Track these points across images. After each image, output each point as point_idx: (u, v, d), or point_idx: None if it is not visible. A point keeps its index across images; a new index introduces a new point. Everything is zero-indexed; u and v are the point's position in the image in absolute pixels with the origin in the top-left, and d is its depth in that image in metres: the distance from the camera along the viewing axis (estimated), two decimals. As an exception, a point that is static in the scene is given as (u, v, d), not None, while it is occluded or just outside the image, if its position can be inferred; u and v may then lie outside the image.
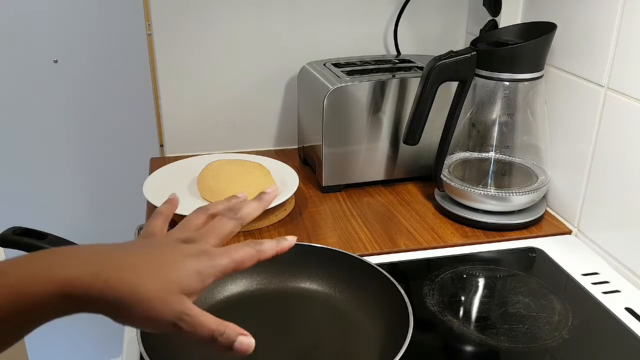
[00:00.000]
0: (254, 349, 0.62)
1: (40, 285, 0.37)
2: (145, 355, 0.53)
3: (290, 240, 0.49)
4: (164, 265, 0.41)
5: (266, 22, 1.05)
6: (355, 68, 0.99)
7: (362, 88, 0.92)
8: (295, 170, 0.95)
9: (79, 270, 0.38)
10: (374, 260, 0.75)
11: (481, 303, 0.71)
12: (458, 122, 0.87)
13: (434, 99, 0.83)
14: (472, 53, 0.82)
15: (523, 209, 0.87)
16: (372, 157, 0.97)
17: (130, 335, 0.65)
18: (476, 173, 0.91)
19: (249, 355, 0.61)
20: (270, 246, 0.47)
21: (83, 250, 0.41)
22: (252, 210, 0.51)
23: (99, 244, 0.43)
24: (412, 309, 0.59)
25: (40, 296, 0.37)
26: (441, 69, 0.81)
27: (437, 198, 0.92)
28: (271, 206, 0.84)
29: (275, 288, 0.70)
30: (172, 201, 0.57)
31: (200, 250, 0.44)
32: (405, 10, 1.08)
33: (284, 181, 0.92)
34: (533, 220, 0.86)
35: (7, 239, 0.63)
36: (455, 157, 0.93)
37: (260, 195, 0.53)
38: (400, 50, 1.11)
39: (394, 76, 0.95)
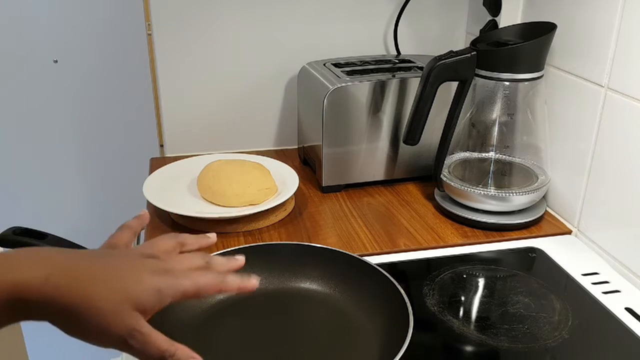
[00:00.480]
0: (254, 349, 0.62)
1: None
2: (145, 355, 0.53)
3: (253, 282, 0.47)
4: (123, 277, 0.40)
5: (266, 22, 1.05)
6: (355, 68, 0.99)
7: (362, 88, 0.92)
8: (295, 170, 0.95)
9: (29, 274, 0.37)
10: (374, 260, 0.75)
11: (481, 303, 0.71)
12: (458, 122, 0.87)
13: (434, 99, 0.83)
14: (472, 53, 0.82)
15: (523, 209, 0.87)
16: (372, 157, 0.97)
17: (130, 335, 0.65)
18: (476, 173, 0.91)
19: (249, 355, 0.61)
20: (234, 281, 0.46)
21: (40, 253, 0.40)
22: (221, 262, 0.49)
23: (60, 248, 0.41)
24: (412, 309, 0.59)
25: None
26: (441, 69, 0.81)
27: (437, 198, 0.92)
28: (271, 206, 0.84)
29: (275, 288, 0.70)
30: (142, 217, 0.54)
31: (163, 268, 0.42)
32: (405, 10, 1.08)
33: (284, 181, 0.92)
34: (533, 220, 0.86)
35: (7, 239, 0.63)
36: (455, 157, 0.93)
37: (230, 258, 0.51)
38: (400, 50, 1.11)
39: (394, 76, 0.94)
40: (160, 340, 0.40)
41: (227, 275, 0.45)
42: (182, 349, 0.41)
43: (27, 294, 0.36)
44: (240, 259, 0.49)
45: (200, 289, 0.43)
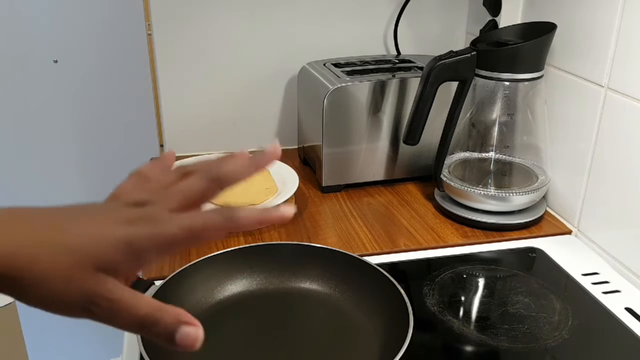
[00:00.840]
0: (254, 349, 0.62)
1: None
2: (145, 355, 0.53)
3: (289, 210, 0.35)
4: (82, 234, 0.32)
5: (266, 22, 1.05)
6: (355, 68, 0.99)
7: (362, 88, 0.92)
8: (295, 170, 0.94)
9: None
10: (374, 260, 0.75)
11: (481, 303, 0.71)
12: (458, 122, 0.87)
13: (434, 99, 0.83)
14: (472, 53, 0.82)
15: (523, 209, 0.87)
16: (372, 157, 0.97)
17: (130, 335, 0.65)
18: (476, 173, 0.91)
19: (250, 355, 0.61)
20: (249, 216, 0.34)
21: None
22: (237, 168, 0.37)
23: (27, 208, 0.33)
24: (412, 309, 0.59)
25: None
26: (441, 69, 0.81)
27: (437, 198, 0.92)
28: (271, 206, 0.84)
29: (275, 288, 0.70)
30: (166, 155, 0.43)
31: (141, 215, 0.33)
32: (405, 10, 1.08)
33: (284, 181, 0.92)
34: (533, 220, 0.86)
35: (7, 239, 0.63)
36: (455, 157, 0.93)
37: (257, 154, 0.38)
38: (400, 50, 1.11)
39: (394, 76, 0.94)
40: (137, 305, 0.31)
41: (237, 211, 0.34)
42: (169, 313, 0.32)
43: None
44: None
45: (193, 233, 0.33)
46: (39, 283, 0.30)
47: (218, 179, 0.37)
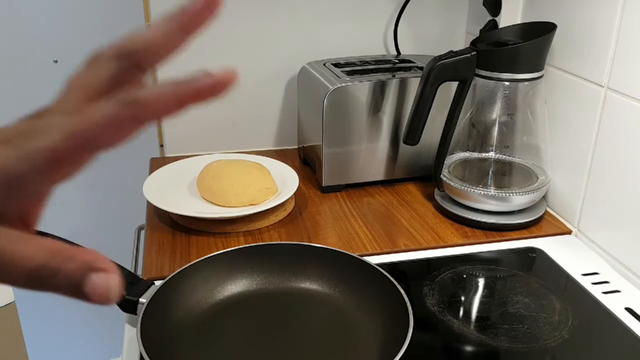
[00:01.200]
0: (254, 349, 0.62)
1: None
2: (145, 355, 0.53)
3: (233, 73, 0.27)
4: None
5: (266, 22, 1.05)
6: (355, 68, 0.99)
7: (362, 88, 0.92)
8: (295, 170, 0.94)
9: None
10: (374, 260, 0.75)
11: (481, 303, 0.71)
12: (458, 122, 0.87)
13: (434, 99, 0.83)
14: (472, 53, 0.82)
15: (523, 209, 0.87)
16: (372, 157, 0.97)
17: (130, 335, 0.65)
18: (476, 173, 0.91)
19: (250, 355, 0.61)
20: (160, 92, 0.26)
21: None
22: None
23: None
24: (412, 309, 0.59)
25: None
26: (441, 69, 0.81)
27: (437, 198, 0.92)
28: (271, 206, 0.84)
29: (275, 288, 0.70)
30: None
31: (25, 127, 0.25)
32: (405, 10, 1.08)
33: (284, 181, 0.92)
34: (533, 220, 0.86)
35: (7, 239, 0.63)
36: (455, 157, 0.93)
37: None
38: (400, 50, 1.11)
39: (394, 76, 0.94)
40: (25, 253, 0.23)
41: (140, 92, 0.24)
42: (74, 259, 0.24)
43: None
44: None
45: (85, 136, 0.24)
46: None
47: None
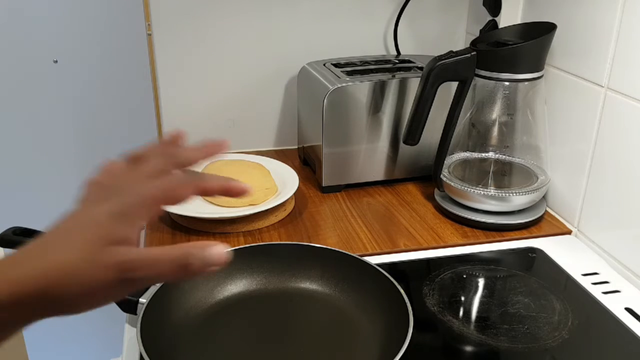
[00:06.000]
0: (254, 349, 0.62)
1: None
2: (145, 355, 0.53)
3: (244, 186, 0.40)
4: (72, 228, 0.35)
5: (266, 22, 1.05)
6: (355, 68, 0.99)
7: (362, 88, 0.92)
8: (295, 170, 0.95)
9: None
10: (374, 260, 0.75)
11: (481, 303, 0.71)
12: (458, 122, 0.87)
13: (434, 99, 0.83)
14: (472, 53, 0.82)
15: (523, 209, 0.87)
16: (372, 157, 0.97)
17: (130, 335, 0.65)
18: (476, 173, 0.91)
19: (250, 355, 0.61)
20: (213, 178, 0.39)
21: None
22: (193, 155, 0.42)
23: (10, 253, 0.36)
24: (412, 309, 0.59)
25: None
26: (441, 69, 0.81)
27: (437, 198, 0.92)
28: (271, 206, 0.84)
29: (275, 288, 0.70)
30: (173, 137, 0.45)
31: (114, 191, 0.37)
32: (405, 10, 1.08)
33: (284, 181, 0.92)
34: (533, 220, 0.86)
35: (7, 239, 0.63)
36: (455, 157, 0.93)
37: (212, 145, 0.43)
38: (400, 50, 1.11)
39: (394, 76, 0.94)
40: (161, 252, 0.34)
41: (201, 175, 0.38)
42: (193, 247, 0.34)
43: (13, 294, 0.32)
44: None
45: (171, 189, 0.37)
46: (70, 278, 0.32)
47: (179, 164, 0.40)
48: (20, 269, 0.33)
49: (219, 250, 0.34)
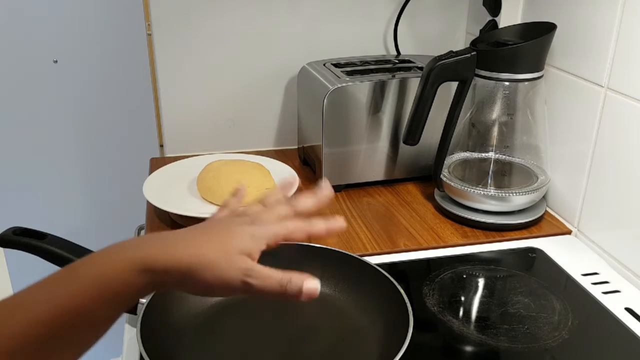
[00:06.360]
0: (254, 349, 0.62)
1: (118, 271, 0.41)
2: (145, 355, 0.53)
3: (340, 222, 0.50)
4: (220, 234, 0.46)
5: (266, 22, 1.05)
6: (355, 68, 0.99)
7: (362, 88, 0.92)
8: (295, 170, 0.94)
9: (149, 250, 0.43)
10: (374, 260, 0.75)
11: (481, 303, 0.71)
12: (458, 122, 0.87)
13: (434, 99, 0.83)
14: (472, 53, 0.82)
15: (523, 209, 0.87)
16: (372, 157, 0.97)
17: (130, 335, 0.65)
18: (476, 173, 0.91)
19: (250, 355, 0.61)
20: (321, 224, 0.50)
21: (147, 236, 0.47)
22: (305, 205, 0.53)
23: (157, 232, 0.48)
24: (412, 309, 0.59)
25: (121, 280, 0.41)
26: (441, 69, 0.81)
27: (437, 198, 0.92)
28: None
29: (275, 288, 0.70)
30: (239, 191, 0.60)
31: (251, 219, 0.48)
32: (405, 10, 1.08)
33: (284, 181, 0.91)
34: (533, 220, 0.86)
35: (7, 239, 0.63)
36: (455, 157, 0.93)
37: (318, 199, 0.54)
38: (400, 50, 1.11)
39: (394, 76, 0.94)
40: (273, 272, 0.45)
41: (313, 219, 0.50)
42: (295, 275, 0.45)
43: (154, 265, 0.42)
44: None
45: (290, 232, 0.48)
46: (208, 269, 0.43)
47: (294, 205, 0.52)
48: (181, 249, 0.43)
49: (313, 285, 0.46)
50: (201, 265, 0.43)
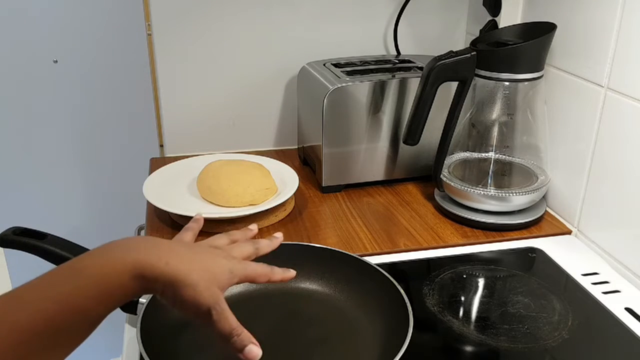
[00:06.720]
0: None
1: (118, 271, 0.43)
2: (145, 355, 0.53)
3: (292, 273, 0.56)
4: (207, 261, 0.48)
5: (266, 22, 1.05)
6: (355, 68, 0.99)
7: (362, 88, 0.92)
8: (295, 170, 0.95)
9: (145, 255, 0.45)
10: (374, 260, 0.75)
11: (481, 303, 0.71)
12: (458, 122, 0.87)
13: (434, 99, 0.83)
14: (472, 53, 0.82)
15: (523, 209, 0.87)
16: (372, 157, 0.97)
17: (130, 335, 0.65)
18: (476, 173, 0.91)
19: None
20: (279, 271, 0.55)
21: (142, 240, 0.48)
22: (266, 244, 0.58)
23: (153, 237, 0.51)
24: (412, 309, 0.59)
25: (117, 282, 0.43)
26: (441, 69, 0.81)
27: (437, 198, 0.92)
28: (271, 206, 0.84)
29: (275, 288, 0.70)
30: (198, 220, 0.62)
31: (230, 255, 0.52)
32: (405, 10, 1.08)
33: (284, 181, 0.92)
34: (533, 220, 0.86)
35: (7, 239, 0.63)
36: (455, 157, 0.93)
37: (271, 237, 0.61)
38: (400, 50, 1.11)
39: (394, 76, 0.94)
40: (231, 318, 0.47)
41: (274, 267, 0.54)
42: (246, 333, 0.48)
43: (146, 270, 0.44)
44: (279, 239, 0.60)
45: (258, 275, 0.52)
46: (189, 287, 0.45)
47: (257, 248, 0.57)
48: (173, 262, 0.45)
49: (256, 352, 0.48)
50: (186, 282, 0.45)
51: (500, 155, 0.90)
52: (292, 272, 0.55)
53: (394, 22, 1.09)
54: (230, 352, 0.61)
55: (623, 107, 0.74)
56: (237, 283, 0.50)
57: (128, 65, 1.43)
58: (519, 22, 0.93)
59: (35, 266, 0.60)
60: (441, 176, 0.90)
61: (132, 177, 1.16)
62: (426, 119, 0.84)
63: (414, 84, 0.93)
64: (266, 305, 0.68)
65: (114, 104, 1.47)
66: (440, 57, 0.82)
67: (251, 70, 1.08)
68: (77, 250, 0.62)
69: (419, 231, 0.85)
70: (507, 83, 0.84)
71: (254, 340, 0.48)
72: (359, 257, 0.70)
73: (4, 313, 0.40)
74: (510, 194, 0.85)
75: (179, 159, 1.00)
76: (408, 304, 0.60)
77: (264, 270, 0.53)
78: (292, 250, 0.72)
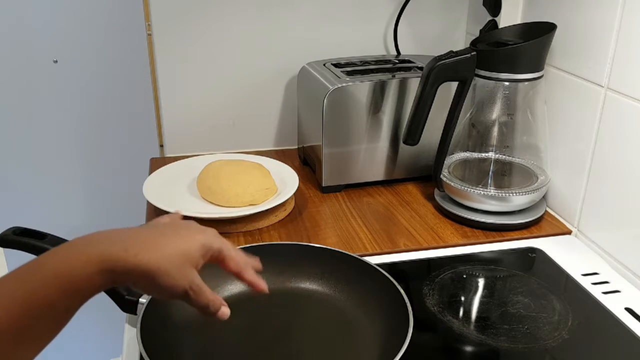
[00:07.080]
0: (254, 349, 0.62)
1: (79, 267, 0.42)
2: (145, 355, 0.53)
3: (264, 286, 0.54)
4: (178, 241, 0.48)
5: (266, 22, 1.05)
6: (355, 68, 0.99)
7: (362, 88, 0.92)
8: (295, 170, 0.95)
9: (111, 248, 0.44)
10: (374, 260, 0.75)
11: (481, 303, 0.71)
12: (458, 122, 0.87)
13: (433, 99, 0.83)
14: (472, 53, 0.82)
15: (523, 209, 0.87)
16: (372, 157, 0.97)
17: (130, 335, 0.65)
18: (476, 173, 0.91)
19: (250, 355, 0.61)
20: (252, 274, 0.54)
21: (105, 233, 0.47)
22: (242, 256, 0.55)
23: (119, 228, 0.49)
24: (412, 309, 0.59)
25: (82, 275, 0.42)
26: (441, 69, 0.81)
27: (437, 198, 0.92)
28: (271, 206, 0.84)
29: (275, 288, 0.70)
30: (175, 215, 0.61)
31: (206, 229, 0.51)
32: (405, 10, 1.08)
33: (284, 181, 0.92)
34: (533, 220, 0.86)
35: (7, 239, 0.63)
36: (455, 157, 0.93)
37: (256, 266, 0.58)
38: (400, 50, 1.11)
39: (394, 76, 0.94)
40: (207, 291, 0.49)
41: (250, 267, 0.54)
42: (218, 298, 0.50)
43: (115, 264, 0.43)
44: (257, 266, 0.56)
45: (232, 257, 0.51)
46: (162, 274, 0.45)
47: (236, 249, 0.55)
48: (143, 253, 0.45)
49: (225, 311, 0.51)
50: (159, 272, 0.45)
51: (500, 155, 0.90)
52: (263, 284, 0.54)
53: (394, 22, 1.09)
54: (231, 353, 0.61)
55: (623, 107, 0.74)
56: (211, 259, 0.50)
57: (128, 65, 1.43)
58: (519, 22, 0.93)
59: (35, 266, 0.60)
60: (441, 176, 0.90)
61: (132, 177, 1.16)
62: (426, 119, 0.84)
63: (414, 84, 0.93)
64: (266, 306, 0.68)
65: (114, 104, 1.47)
66: (440, 57, 0.82)
67: (251, 70, 1.08)
68: (77, 250, 0.62)
69: (419, 231, 0.85)
70: (507, 83, 0.84)
71: (224, 302, 0.51)
72: (359, 257, 0.70)
73: None
74: (510, 194, 0.85)
75: (179, 159, 1.00)
76: (408, 304, 0.60)
77: (239, 257, 0.52)
78: (292, 250, 0.72)
